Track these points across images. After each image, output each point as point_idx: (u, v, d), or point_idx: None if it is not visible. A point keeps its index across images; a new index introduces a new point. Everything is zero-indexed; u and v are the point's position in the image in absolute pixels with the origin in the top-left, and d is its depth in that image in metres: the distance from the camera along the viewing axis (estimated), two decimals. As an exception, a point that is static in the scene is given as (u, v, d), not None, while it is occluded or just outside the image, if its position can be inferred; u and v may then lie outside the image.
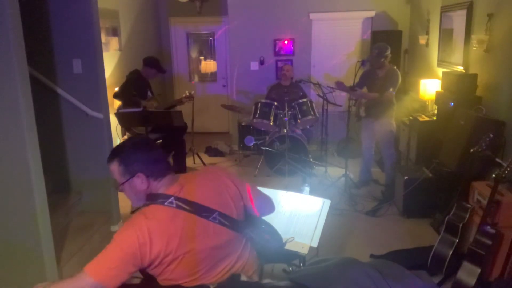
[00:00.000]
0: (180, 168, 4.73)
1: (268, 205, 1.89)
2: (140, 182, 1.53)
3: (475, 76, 3.76)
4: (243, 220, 1.70)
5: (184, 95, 4.83)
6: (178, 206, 1.50)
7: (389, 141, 4.41)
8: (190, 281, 1.56)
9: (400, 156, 4.92)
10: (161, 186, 1.55)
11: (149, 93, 4.64)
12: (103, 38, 4.42)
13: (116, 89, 4.66)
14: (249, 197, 1.74)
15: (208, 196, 1.58)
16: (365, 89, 4.46)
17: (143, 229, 1.43)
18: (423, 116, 4.43)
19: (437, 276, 2.86)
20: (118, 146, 1.59)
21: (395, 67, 4.38)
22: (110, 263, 1.41)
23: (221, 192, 1.63)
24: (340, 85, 4.28)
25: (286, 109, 4.86)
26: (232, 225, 1.60)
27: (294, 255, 2.02)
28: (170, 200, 1.50)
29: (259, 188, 1.91)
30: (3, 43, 2.32)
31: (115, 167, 1.54)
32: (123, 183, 1.54)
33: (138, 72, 4.54)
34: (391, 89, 4.14)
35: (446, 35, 4.55)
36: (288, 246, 1.93)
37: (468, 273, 2.52)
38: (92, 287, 1.40)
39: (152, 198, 1.53)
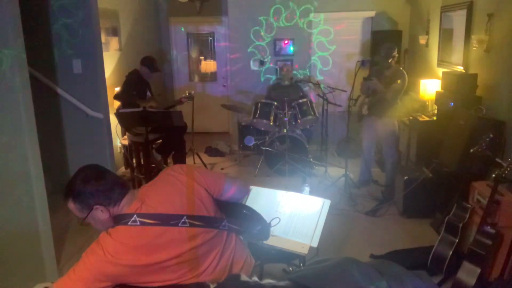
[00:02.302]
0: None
1: (239, 188, 1.84)
2: (100, 213, 1.52)
3: (475, 76, 3.76)
4: (217, 214, 1.67)
5: (183, 95, 4.83)
6: (142, 223, 1.49)
7: (392, 141, 4.40)
8: (175, 282, 1.57)
9: (400, 156, 4.92)
10: (122, 207, 1.54)
11: (148, 93, 4.63)
12: (103, 38, 4.42)
13: (117, 89, 4.66)
14: (216, 188, 1.69)
15: (172, 203, 1.56)
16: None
17: (110, 250, 1.44)
18: (423, 116, 4.43)
19: (437, 276, 2.86)
20: (68, 183, 1.54)
21: (401, 68, 4.37)
22: (78, 282, 1.45)
23: (185, 194, 1.59)
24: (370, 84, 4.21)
25: (286, 109, 4.86)
26: (205, 223, 1.58)
27: (294, 255, 2.02)
28: (133, 218, 1.49)
29: (258, 187, 1.91)
30: (3, 43, 2.32)
31: (72, 206, 1.53)
32: (84, 218, 1.54)
33: (137, 72, 4.53)
34: (398, 81, 4.12)
35: (446, 35, 4.55)
36: (288, 246, 1.93)
37: (468, 273, 2.52)
38: None
39: (116, 220, 1.53)
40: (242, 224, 1.72)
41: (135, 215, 1.49)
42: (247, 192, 1.88)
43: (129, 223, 1.48)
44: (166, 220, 1.51)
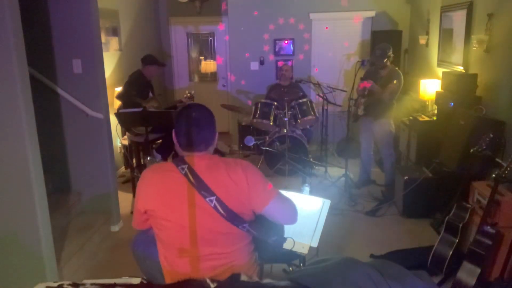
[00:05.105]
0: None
1: (281, 215, 1.80)
2: (176, 143, 1.74)
3: (475, 76, 3.76)
4: (244, 216, 1.68)
5: (185, 96, 4.83)
6: (185, 174, 1.63)
7: (388, 142, 4.40)
8: (173, 250, 1.67)
9: (400, 156, 4.92)
10: (187, 154, 1.70)
11: (150, 94, 4.63)
12: (103, 38, 4.42)
13: (117, 89, 4.66)
14: (261, 208, 1.71)
15: (216, 181, 1.63)
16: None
17: (143, 178, 1.72)
18: (423, 116, 4.43)
19: (437, 276, 2.86)
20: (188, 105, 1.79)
21: (397, 68, 4.37)
22: (136, 211, 1.76)
23: (231, 185, 1.64)
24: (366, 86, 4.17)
25: (286, 109, 4.86)
26: (228, 217, 1.61)
27: (294, 255, 2.02)
28: (183, 166, 1.65)
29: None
30: (3, 43, 2.32)
31: None
32: None
33: (140, 72, 4.53)
34: (395, 81, 4.11)
35: (446, 35, 4.55)
36: (287, 246, 1.93)
37: (468, 273, 2.52)
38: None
39: (177, 158, 1.72)
40: (261, 230, 1.74)
41: (186, 165, 1.65)
42: (288, 222, 1.84)
43: (178, 167, 1.66)
44: (200, 187, 1.62)
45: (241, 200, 1.66)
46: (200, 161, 1.67)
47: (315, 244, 1.97)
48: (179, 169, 1.65)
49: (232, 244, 1.69)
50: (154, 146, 4.77)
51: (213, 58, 7.15)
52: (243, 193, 1.66)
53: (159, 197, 1.65)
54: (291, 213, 1.81)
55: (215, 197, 1.60)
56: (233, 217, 1.63)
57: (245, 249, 1.75)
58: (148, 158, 2.48)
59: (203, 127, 1.71)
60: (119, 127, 4.73)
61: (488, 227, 2.56)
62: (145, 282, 1.62)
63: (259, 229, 1.72)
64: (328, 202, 2.13)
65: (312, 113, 5.00)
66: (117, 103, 4.62)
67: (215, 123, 1.77)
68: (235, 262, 1.71)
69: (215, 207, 1.60)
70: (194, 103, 1.76)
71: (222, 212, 1.61)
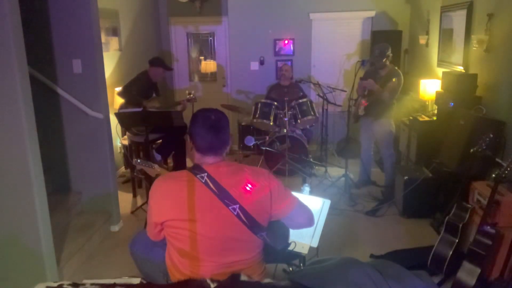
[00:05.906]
0: (181, 168, 4.72)
1: (300, 222, 1.86)
2: (191, 147, 1.71)
3: (475, 76, 3.76)
4: (263, 223, 1.69)
5: (186, 97, 4.84)
6: (206, 183, 1.59)
7: (389, 142, 4.40)
8: (192, 259, 1.63)
9: (400, 156, 4.92)
10: (204, 161, 1.67)
11: (153, 95, 4.64)
12: (103, 38, 4.42)
13: (117, 89, 4.66)
14: (285, 214, 1.75)
15: (238, 189, 1.61)
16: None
17: (156, 188, 1.66)
18: (423, 116, 4.43)
19: (437, 276, 2.86)
20: (205, 109, 1.76)
21: (396, 68, 4.37)
22: (150, 224, 1.72)
23: (254, 191, 1.64)
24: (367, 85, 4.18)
25: (286, 109, 4.86)
26: (249, 224, 1.61)
27: (294, 255, 2.02)
28: (202, 174, 1.61)
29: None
30: (3, 43, 2.32)
31: None
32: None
33: (146, 73, 4.54)
34: (394, 79, 4.10)
35: (446, 35, 4.55)
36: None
37: (468, 273, 2.52)
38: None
39: (193, 166, 1.67)
40: (274, 239, 1.75)
41: (206, 174, 1.61)
42: (307, 226, 1.89)
43: (197, 175, 1.61)
44: (223, 195, 1.59)
45: (263, 208, 1.66)
46: (219, 168, 1.64)
47: (315, 244, 1.97)
48: (198, 178, 1.60)
49: (250, 251, 1.70)
50: (154, 146, 4.77)
51: (213, 58, 7.15)
52: (265, 200, 1.66)
53: (177, 208, 1.60)
54: (311, 216, 1.87)
55: (238, 205, 1.58)
56: (254, 225, 1.63)
57: (259, 255, 1.77)
58: (139, 161, 2.43)
59: (223, 129, 1.68)
60: (119, 127, 4.73)
61: (488, 227, 2.56)
62: (144, 282, 1.62)
63: (272, 238, 1.73)
64: (328, 202, 2.13)
65: (312, 113, 4.99)
66: (117, 103, 4.62)
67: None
68: (251, 268, 1.72)
69: (238, 215, 1.58)
70: (209, 108, 1.76)
71: (245, 220, 1.59)
